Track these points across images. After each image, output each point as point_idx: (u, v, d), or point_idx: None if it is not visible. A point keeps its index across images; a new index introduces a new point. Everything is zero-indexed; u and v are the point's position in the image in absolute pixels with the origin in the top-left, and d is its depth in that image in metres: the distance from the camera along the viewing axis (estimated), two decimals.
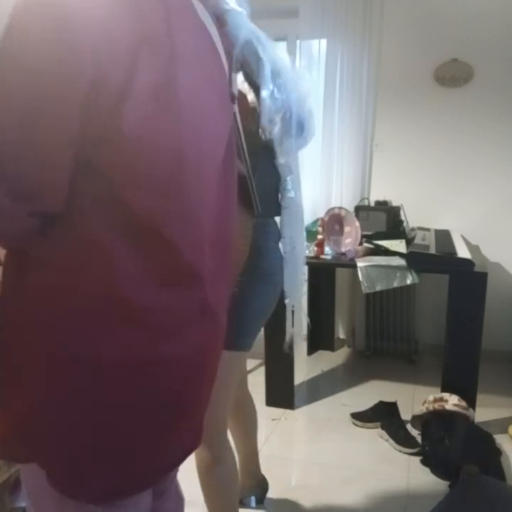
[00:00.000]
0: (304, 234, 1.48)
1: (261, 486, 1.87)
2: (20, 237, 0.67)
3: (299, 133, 1.25)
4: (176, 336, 0.74)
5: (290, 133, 1.18)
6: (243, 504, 1.81)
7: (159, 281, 0.71)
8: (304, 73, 1.29)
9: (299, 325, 1.58)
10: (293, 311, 1.51)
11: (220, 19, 0.89)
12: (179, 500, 1.07)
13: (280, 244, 1.41)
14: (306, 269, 1.54)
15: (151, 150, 0.65)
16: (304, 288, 1.53)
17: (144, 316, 0.70)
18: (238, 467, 1.59)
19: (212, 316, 0.81)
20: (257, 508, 1.85)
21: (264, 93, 1.07)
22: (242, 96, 1.11)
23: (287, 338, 1.57)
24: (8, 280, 0.73)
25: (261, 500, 1.87)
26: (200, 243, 0.76)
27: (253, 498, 1.86)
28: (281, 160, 1.29)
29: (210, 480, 1.39)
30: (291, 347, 1.58)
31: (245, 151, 1.06)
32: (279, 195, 1.38)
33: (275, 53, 1.09)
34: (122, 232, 0.67)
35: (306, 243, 1.58)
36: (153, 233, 0.68)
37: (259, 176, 1.17)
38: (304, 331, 1.64)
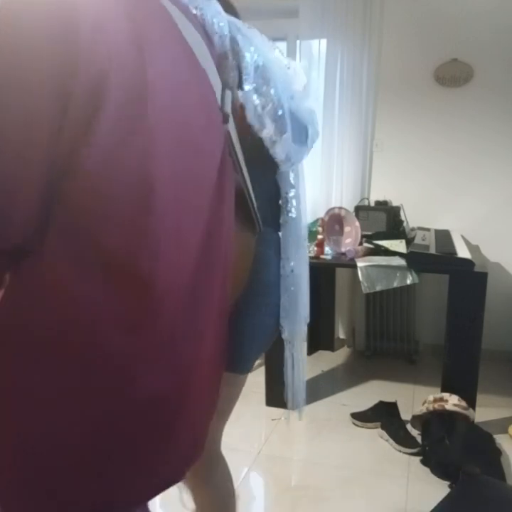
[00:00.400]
0: (307, 259, 1.26)
1: None
2: None
3: (302, 138, 1.11)
4: (138, 381, 0.69)
5: (285, 133, 1.04)
6: None
7: (128, 326, 0.66)
8: (299, 69, 1.15)
9: (299, 372, 1.31)
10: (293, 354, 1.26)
11: (199, 19, 0.84)
12: None
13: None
14: (307, 298, 1.28)
15: (118, 181, 0.61)
16: (305, 326, 1.27)
17: (106, 361, 0.66)
18: None
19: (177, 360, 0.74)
20: (261, 495, 1.85)
21: (246, 86, 0.95)
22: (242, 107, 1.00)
23: (287, 392, 1.31)
24: None
25: None
26: (172, 281, 0.70)
27: None
28: (281, 167, 1.12)
29: (200, 498, 1.24)
30: (293, 403, 1.34)
31: (243, 168, 0.97)
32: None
33: (262, 45, 1.00)
34: (90, 268, 0.62)
35: (308, 268, 1.28)
36: (122, 271, 0.64)
37: (259, 186, 1.06)
38: (304, 380, 1.33)
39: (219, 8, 0.90)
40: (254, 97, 0.97)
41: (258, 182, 1.07)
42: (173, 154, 0.67)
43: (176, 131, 0.67)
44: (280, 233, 1.21)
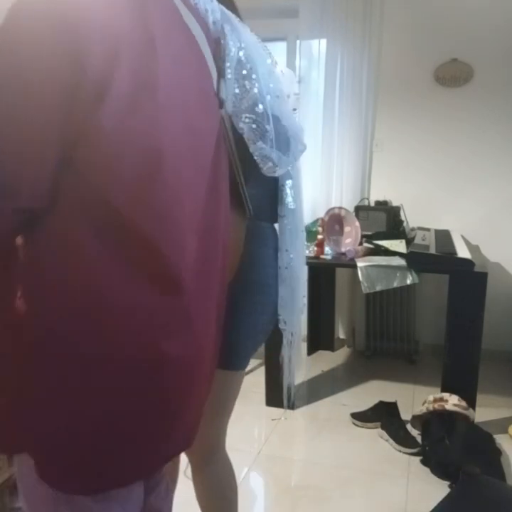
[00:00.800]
0: (304, 250, 1.27)
1: None
2: (4, 236, 0.68)
3: (285, 147, 1.08)
4: (158, 339, 0.74)
5: (265, 133, 1.01)
6: None
7: (140, 283, 0.70)
8: (292, 76, 1.15)
9: (297, 358, 1.33)
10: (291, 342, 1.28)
11: (201, 11, 0.88)
12: (169, 498, 1.06)
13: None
14: (305, 289, 1.30)
15: (129, 147, 0.66)
16: (304, 314, 1.29)
17: (126, 317, 0.70)
18: None
19: (190, 328, 0.78)
20: (261, 495, 1.85)
21: (228, 74, 0.95)
22: None
23: (285, 380, 1.35)
24: None
25: None
26: (179, 245, 0.74)
27: None
28: (262, 169, 1.07)
29: (202, 489, 1.29)
30: (289, 392, 1.40)
31: (235, 155, 0.99)
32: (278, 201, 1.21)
33: (251, 41, 1.00)
34: (102, 231, 0.67)
35: (306, 258, 1.31)
36: (131, 232, 0.68)
37: (254, 179, 1.06)
38: (301, 367, 1.38)
39: (237, 34, 0.94)
40: (235, 86, 0.96)
41: (257, 174, 1.07)
42: (176, 126, 0.72)
43: (178, 107, 0.72)
44: (276, 225, 1.22)
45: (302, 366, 1.39)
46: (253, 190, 1.09)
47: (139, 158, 0.67)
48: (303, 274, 1.27)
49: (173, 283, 0.73)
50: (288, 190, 1.18)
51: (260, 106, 0.99)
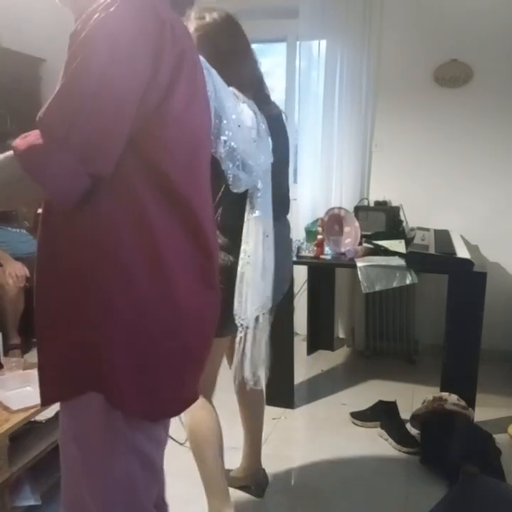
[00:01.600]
0: (271, 255, 1.46)
1: (258, 478, 1.91)
2: (75, 196, 0.80)
3: (248, 169, 1.31)
4: (200, 293, 0.95)
5: (232, 156, 1.27)
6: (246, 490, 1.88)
7: (190, 246, 0.91)
8: (252, 107, 1.37)
9: (256, 355, 1.52)
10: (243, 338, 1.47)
11: None
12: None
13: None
14: (268, 291, 1.49)
15: (183, 134, 0.87)
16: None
17: (178, 273, 0.89)
18: (242, 454, 1.90)
19: (215, 287, 1.01)
20: (255, 501, 1.86)
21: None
22: None
23: (245, 370, 1.52)
24: (60, 242, 0.87)
25: (259, 494, 1.88)
26: (204, 206, 0.96)
27: None
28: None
29: (196, 428, 1.56)
30: (256, 381, 1.56)
31: None
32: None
33: (221, 83, 1.25)
34: (158, 193, 0.85)
35: (272, 266, 1.48)
36: (179, 194, 0.88)
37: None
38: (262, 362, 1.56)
39: (212, 77, 1.20)
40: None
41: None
42: (207, 122, 0.99)
43: (206, 110, 1.00)
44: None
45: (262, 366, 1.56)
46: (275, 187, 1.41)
47: (189, 141, 0.89)
48: (267, 274, 1.46)
49: (210, 253, 0.96)
50: (255, 201, 1.42)
51: (227, 132, 1.24)
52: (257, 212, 1.42)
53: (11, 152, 0.79)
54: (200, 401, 1.49)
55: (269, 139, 1.45)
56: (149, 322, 0.88)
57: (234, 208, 1.43)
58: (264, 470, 1.95)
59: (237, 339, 1.48)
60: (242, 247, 1.43)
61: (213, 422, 1.59)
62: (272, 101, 1.61)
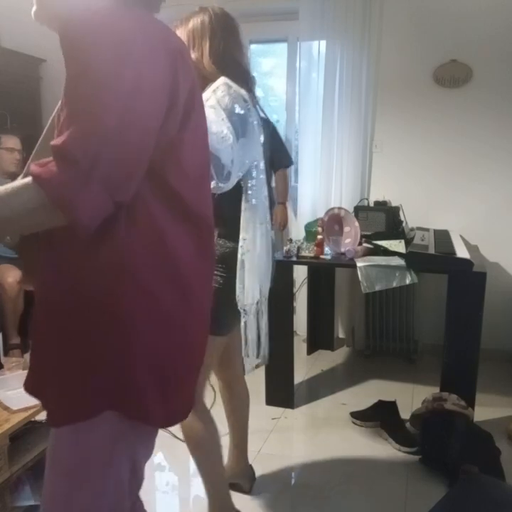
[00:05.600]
0: (269, 242, 1.54)
1: (246, 474, 1.92)
2: (97, 224, 0.81)
3: (219, 171, 1.34)
4: (202, 300, 0.99)
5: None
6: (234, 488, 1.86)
7: (199, 254, 0.95)
8: (219, 109, 1.35)
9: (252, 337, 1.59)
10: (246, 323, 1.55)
11: None
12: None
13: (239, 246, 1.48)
14: (269, 277, 1.59)
15: (197, 154, 0.94)
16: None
17: (188, 281, 0.93)
18: (228, 452, 1.88)
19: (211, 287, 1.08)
20: (261, 495, 1.86)
21: None
22: None
23: (249, 351, 1.61)
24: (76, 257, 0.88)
25: (248, 490, 1.90)
26: (210, 215, 1.01)
27: None
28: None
29: (197, 442, 1.56)
30: (263, 359, 1.67)
31: None
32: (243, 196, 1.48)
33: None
34: (173, 211, 0.90)
35: (271, 252, 1.58)
36: (197, 216, 0.94)
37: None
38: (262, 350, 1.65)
39: None
40: None
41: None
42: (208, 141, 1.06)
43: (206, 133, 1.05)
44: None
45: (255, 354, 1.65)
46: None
47: (199, 161, 0.96)
48: (265, 259, 1.54)
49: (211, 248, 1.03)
50: (249, 191, 1.48)
51: None
52: (253, 201, 1.48)
53: (27, 179, 0.78)
54: (200, 410, 1.54)
55: (261, 136, 1.49)
56: (171, 341, 0.92)
57: (230, 197, 1.44)
58: (251, 466, 1.96)
59: (242, 324, 1.56)
60: (241, 236, 1.48)
61: (215, 432, 1.59)
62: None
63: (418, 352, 3.15)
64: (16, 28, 3.47)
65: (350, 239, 2.62)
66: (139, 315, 0.88)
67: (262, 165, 1.50)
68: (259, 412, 2.49)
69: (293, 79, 3.37)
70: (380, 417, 2.35)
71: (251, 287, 1.50)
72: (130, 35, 0.79)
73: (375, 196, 3.15)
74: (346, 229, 2.66)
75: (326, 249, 2.60)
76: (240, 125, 1.37)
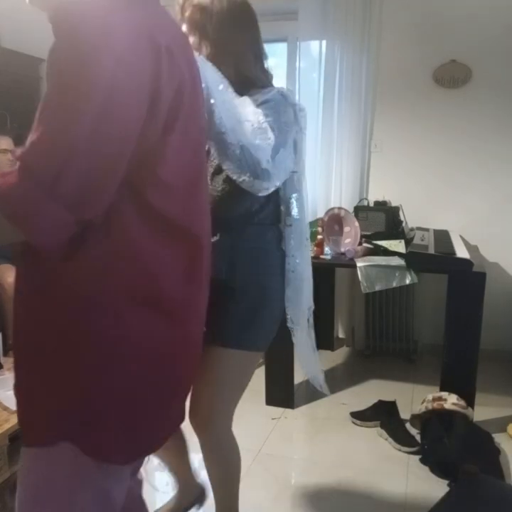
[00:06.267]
0: (309, 256, 1.45)
1: (197, 492, 1.73)
2: (62, 244, 0.72)
3: (255, 166, 1.21)
4: (187, 323, 0.89)
5: (227, 153, 1.15)
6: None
7: (187, 276, 0.85)
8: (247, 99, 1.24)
9: (307, 356, 1.58)
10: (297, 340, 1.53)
11: None
12: (140, 482, 1.20)
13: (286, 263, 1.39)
14: (310, 290, 1.50)
15: (180, 164, 0.80)
16: (310, 314, 1.52)
17: (170, 305, 0.83)
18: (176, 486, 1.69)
19: (202, 316, 0.97)
20: (261, 495, 1.86)
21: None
22: None
23: (308, 376, 1.64)
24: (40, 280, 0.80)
25: (201, 501, 1.74)
26: (205, 231, 0.91)
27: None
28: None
29: (213, 461, 1.48)
30: (321, 385, 1.68)
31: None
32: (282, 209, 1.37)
33: (212, 75, 1.15)
34: (157, 232, 0.79)
35: (310, 266, 1.48)
36: (183, 229, 0.83)
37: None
38: (316, 362, 1.64)
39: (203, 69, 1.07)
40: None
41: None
42: (203, 146, 0.93)
43: (202, 133, 0.91)
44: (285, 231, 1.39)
45: (314, 356, 1.63)
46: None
47: (187, 171, 0.83)
48: (308, 277, 1.44)
49: (206, 280, 0.92)
50: (294, 202, 1.34)
51: (222, 129, 1.12)
52: (295, 214, 1.36)
53: None
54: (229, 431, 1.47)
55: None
56: (144, 374, 0.82)
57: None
58: (199, 483, 1.74)
59: (295, 341, 1.52)
60: (291, 253, 1.37)
61: (238, 456, 1.51)
62: None
63: (418, 352, 3.15)
64: (16, 28, 3.47)
65: (350, 239, 2.63)
66: (107, 342, 0.78)
67: (303, 173, 1.39)
68: (259, 412, 2.49)
69: (293, 79, 3.37)
70: (380, 417, 2.35)
71: (302, 302, 1.43)
72: (112, 28, 0.68)
73: (374, 196, 3.15)
74: (346, 229, 2.66)
75: (326, 249, 2.61)
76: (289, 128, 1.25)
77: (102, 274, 0.76)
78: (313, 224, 2.78)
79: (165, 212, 0.79)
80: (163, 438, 0.94)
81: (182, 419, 1.02)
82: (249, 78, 1.28)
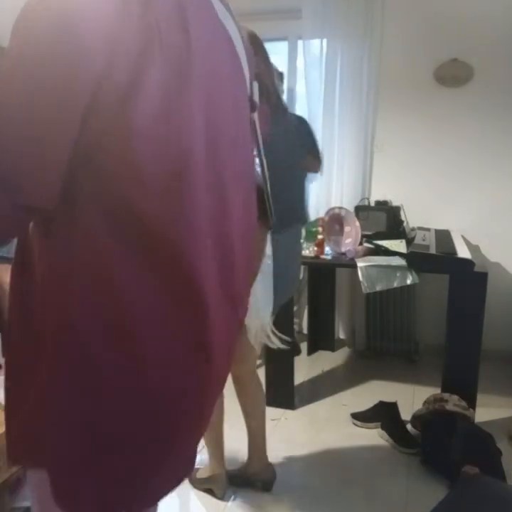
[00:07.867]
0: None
1: (267, 473, 1.94)
2: (5, 229, 0.63)
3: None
4: (186, 364, 0.71)
5: None
6: (253, 486, 1.93)
7: (158, 291, 0.65)
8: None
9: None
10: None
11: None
12: None
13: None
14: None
15: (158, 148, 0.61)
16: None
17: (139, 329, 0.66)
18: (248, 452, 1.94)
19: (210, 360, 0.74)
20: (261, 495, 1.85)
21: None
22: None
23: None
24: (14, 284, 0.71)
25: (267, 488, 1.92)
26: (203, 253, 0.69)
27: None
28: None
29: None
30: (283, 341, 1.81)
31: (264, 162, 0.97)
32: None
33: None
34: (123, 232, 0.62)
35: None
36: (154, 235, 0.64)
37: (282, 183, 1.12)
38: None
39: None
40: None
41: (284, 178, 1.22)
42: (208, 127, 0.68)
43: (211, 106, 0.68)
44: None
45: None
46: (284, 194, 1.22)
47: (169, 158, 0.63)
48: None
49: (195, 299, 0.69)
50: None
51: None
52: None
53: None
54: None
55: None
56: (111, 412, 0.68)
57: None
58: (271, 465, 1.97)
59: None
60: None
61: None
62: None
63: (419, 352, 3.14)
64: None
65: (350, 239, 2.62)
66: (72, 372, 0.66)
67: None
68: None
69: (293, 77, 3.37)
70: (380, 418, 2.34)
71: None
72: None
73: (375, 196, 3.14)
74: (347, 229, 2.65)
75: (327, 249, 2.60)
76: None
77: (63, 287, 0.65)
78: (313, 223, 2.77)
79: (138, 213, 0.62)
80: (150, 496, 0.77)
81: (179, 479, 0.82)
82: None
